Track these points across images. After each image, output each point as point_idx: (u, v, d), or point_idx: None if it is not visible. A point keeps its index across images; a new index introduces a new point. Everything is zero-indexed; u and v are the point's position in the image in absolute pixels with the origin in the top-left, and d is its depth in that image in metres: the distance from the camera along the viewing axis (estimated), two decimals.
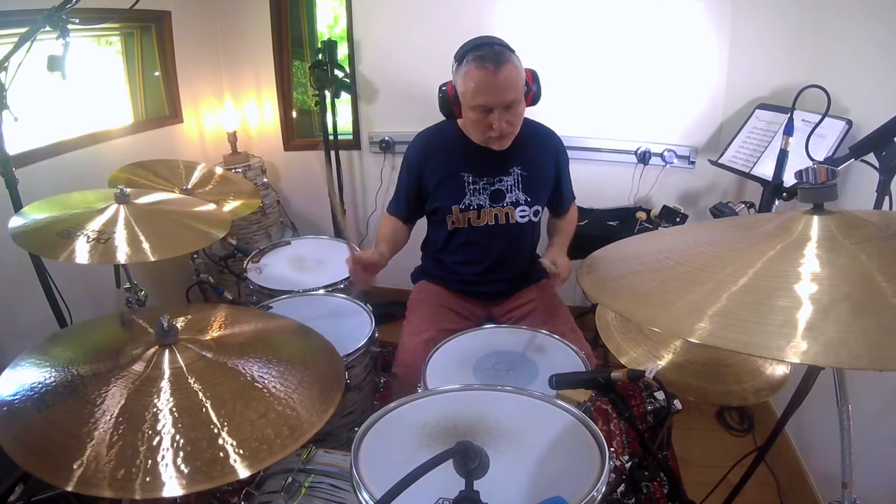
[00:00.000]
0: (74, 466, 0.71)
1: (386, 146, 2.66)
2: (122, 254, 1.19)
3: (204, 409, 0.82)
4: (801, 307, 0.59)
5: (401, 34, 2.49)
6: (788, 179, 1.60)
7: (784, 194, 1.60)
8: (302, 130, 2.92)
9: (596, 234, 2.27)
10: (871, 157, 1.08)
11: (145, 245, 1.22)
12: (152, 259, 1.21)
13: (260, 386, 0.90)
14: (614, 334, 1.19)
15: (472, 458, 0.63)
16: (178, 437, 0.77)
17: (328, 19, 2.78)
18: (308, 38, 2.79)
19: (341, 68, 2.45)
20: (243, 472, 0.75)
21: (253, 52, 2.72)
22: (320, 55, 2.40)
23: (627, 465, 0.98)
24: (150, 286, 1.90)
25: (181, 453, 0.75)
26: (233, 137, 2.70)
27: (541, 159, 1.60)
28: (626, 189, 2.45)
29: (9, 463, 0.72)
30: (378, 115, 2.68)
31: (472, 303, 1.69)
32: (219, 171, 2.04)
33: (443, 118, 1.58)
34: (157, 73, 2.53)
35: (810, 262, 0.66)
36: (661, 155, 2.34)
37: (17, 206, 1.45)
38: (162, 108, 2.58)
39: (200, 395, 0.85)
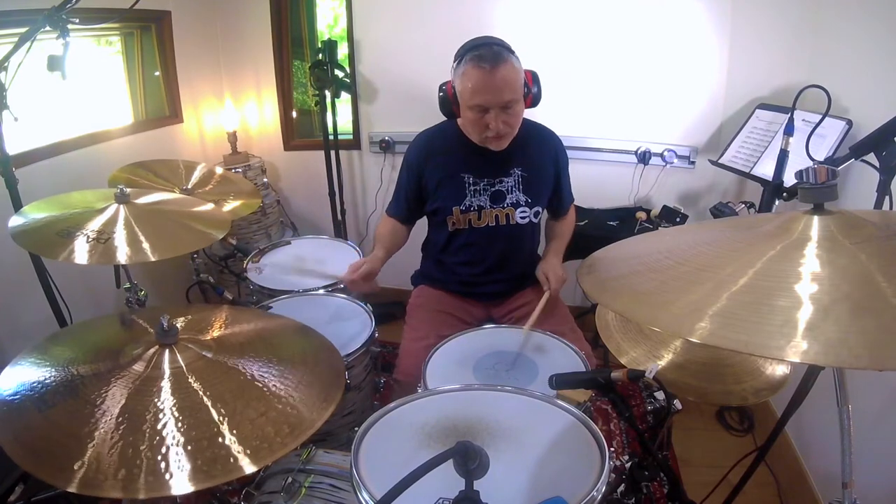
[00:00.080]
0: (75, 467, 0.71)
1: (386, 146, 2.66)
2: (122, 254, 1.19)
3: (204, 409, 0.82)
4: (801, 307, 0.59)
5: (401, 34, 2.49)
6: (788, 179, 1.60)
7: (784, 194, 1.60)
8: (302, 130, 2.92)
9: (596, 234, 2.27)
10: (871, 157, 1.08)
11: (145, 245, 1.22)
12: (152, 259, 1.21)
13: (260, 385, 0.90)
14: (614, 334, 1.19)
15: (472, 458, 0.63)
16: (178, 436, 0.77)
17: (328, 19, 2.79)
18: (308, 38, 2.79)
19: (341, 68, 2.45)
20: (244, 470, 0.75)
21: (253, 52, 2.72)
22: (320, 55, 2.40)
23: (627, 465, 0.98)
24: (150, 286, 1.90)
25: (182, 452, 0.75)
26: (233, 137, 2.70)
27: (541, 160, 1.60)
28: (626, 189, 2.45)
29: (9, 463, 0.72)
30: (378, 115, 2.68)
31: (471, 304, 1.69)
32: (219, 171, 2.04)
33: (443, 118, 1.58)
34: (157, 73, 2.53)
35: (810, 262, 0.66)
36: (661, 155, 2.34)
37: (17, 206, 1.45)
38: (162, 108, 2.58)
39: (201, 394, 0.85)
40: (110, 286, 1.62)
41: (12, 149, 1.47)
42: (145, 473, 0.72)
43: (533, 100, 1.51)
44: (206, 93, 2.75)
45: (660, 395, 0.99)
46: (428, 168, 1.58)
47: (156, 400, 0.82)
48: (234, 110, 2.79)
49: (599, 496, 0.78)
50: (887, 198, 1.10)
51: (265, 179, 2.77)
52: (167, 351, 0.92)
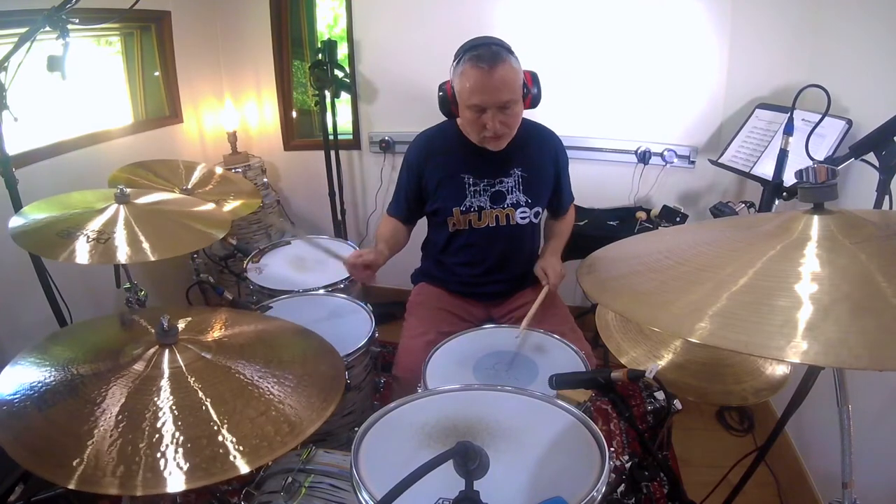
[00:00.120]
0: (75, 464, 0.71)
1: (386, 146, 2.66)
2: (122, 254, 1.19)
3: (204, 408, 0.83)
4: (801, 307, 0.59)
5: (401, 34, 2.49)
6: (788, 179, 1.60)
7: (784, 194, 1.60)
8: (302, 130, 2.92)
9: (596, 233, 2.27)
10: (871, 157, 1.08)
11: (145, 245, 1.22)
12: (152, 259, 1.21)
13: (260, 385, 0.90)
14: (614, 334, 1.19)
15: (472, 458, 0.63)
16: (178, 434, 0.77)
17: (328, 19, 2.79)
18: (308, 38, 2.79)
19: (341, 68, 2.45)
20: (243, 469, 0.75)
21: (253, 52, 2.72)
22: (320, 55, 2.40)
23: (627, 465, 0.98)
24: (150, 286, 1.90)
25: (181, 450, 0.75)
26: (233, 137, 2.70)
27: (541, 160, 1.60)
28: (626, 189, 2.45)
29: (9, 463, 0.72)
30: (378, 115, 2.68)
31: (471, 304, 1.69)
32: (219, 171, 2.04)
33: (443, 118, 1.58)
34: (157, 73, 2.53)
35: (810, 261, 0.66)
36: (661, 155, 2.34)
37: (17, 206, 1.45)
38: (162, 108, 2.58)
39: (200, 393, 0.85)
40: (110, 286, 1.62)
41: (12, 149, 1.47)
42: (143, 470, 0.72)
43: (532, 100, 1.51)
44: (206, 93, 2.75)
45: (660, 395, 0.99)
46: (428, 168, 1.58)
47: (155, 399, 0.83)
48: (234, 110, 2.79)
49: (599, 496, 0.78)
50: (887, 197, 1.10)
51: (265, 179, 2.77)
52: (167, 351, 0.92)
